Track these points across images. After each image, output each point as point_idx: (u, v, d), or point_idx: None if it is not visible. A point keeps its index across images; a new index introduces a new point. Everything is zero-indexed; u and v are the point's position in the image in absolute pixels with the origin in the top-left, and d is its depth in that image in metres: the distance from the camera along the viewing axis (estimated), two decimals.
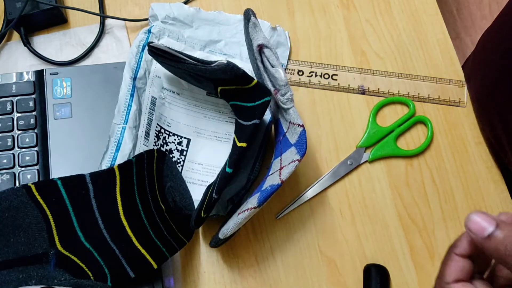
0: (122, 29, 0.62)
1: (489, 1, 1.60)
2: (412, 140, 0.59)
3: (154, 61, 0.58)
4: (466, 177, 0.57)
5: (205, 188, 0.54)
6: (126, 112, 0.54)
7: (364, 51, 0.62)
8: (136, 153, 0.53)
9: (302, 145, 0.46)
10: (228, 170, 0.47)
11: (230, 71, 0.47)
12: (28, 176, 0.54)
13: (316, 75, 0.61)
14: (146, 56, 0.57)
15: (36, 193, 0.47)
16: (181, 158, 0.56)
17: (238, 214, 0.46)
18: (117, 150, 0.53)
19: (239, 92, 0.50)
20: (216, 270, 0.54)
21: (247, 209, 0.45)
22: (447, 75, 0.62)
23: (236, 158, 0.47)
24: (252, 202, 0.46)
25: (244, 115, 0.50)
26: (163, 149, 0.55)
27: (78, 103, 0.57)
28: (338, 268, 0.54)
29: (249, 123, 0.48)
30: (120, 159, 0.52)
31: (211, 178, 0.56)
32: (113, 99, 0.56)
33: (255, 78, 0.49)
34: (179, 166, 0.56)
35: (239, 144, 0.47)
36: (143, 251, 0.48)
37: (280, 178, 0.45)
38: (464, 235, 0.33)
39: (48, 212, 0.47)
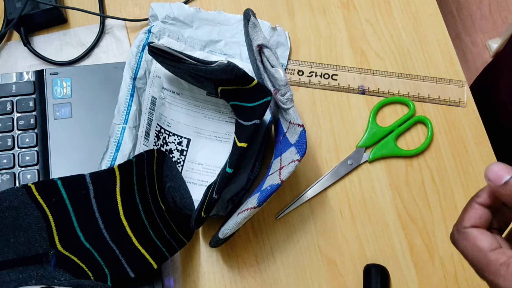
0: (122, 29, 0.63)
1: (489, 1, 1.60)
2: (412, 140, 0.59)
3: (154, 61, 0.58)
4: (466, 177, 0.57)
5: (205, 188, 0.54)
6: (126, 112, 0.54)
7: (364, 51, 0.62)
8: (136, 153, 0.53)
9: (302, 145, 0.46)
10: (228, 170, 0.47)
11: (231, 71, 0.47)
12: (28, 176, 0.54)
13: (316, 75, 0.61)
14: (146, 56, 0.57)
15: (36, 193, 0.47)
16: (181, 158, 0.56)
17: (238, 214, 0.46)
18: (117, 150, 0.53)
19: (239, 92, 0.50)
20: (216, 270, 0.54)
21: (247, 209, 0.45)
22: (447, 75, 0.62)
23: (236, 158, 0.47)
24: (252, 202, 0.46)
25: (244, 115, 0.50)
26: (163, 149, 0.55)
27: (78, 103, 0.57)
28: (338, 268, 0.54)
29: (249, 123, 0.48)
30: (120, 159, 0.52)
31: (211, 178, 0.56)
32: (113, 99, 0.56)
33: (255, 78, 0.49)
34: (179, 166, 0.56)
35: (239, 145, 0.47)
36: (143, 251, 0.48)
37: (280, 178, 0.45)
38: (486, 187, 0.34)
39: (48, 212, 0.47)
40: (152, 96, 0.56)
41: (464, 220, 0.33)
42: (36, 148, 0.55)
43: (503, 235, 0.35)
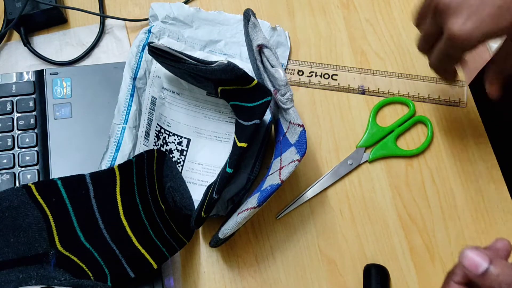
0: (122, 29, 0.62)
1: None
2: (412, 140, 0.59)
3: (154, 61, 0.58)
4: (466, 177, 0.57)
5: (205, 188, 0.54)
6: (126, 112, 0.54)
7: (364, 51, 0.62)
8: (136, 153, 0.53)
9: (302, 145, 0.46)
10: (228, 170, 0.47)
11: (231, 71, 0.47)
12: (28, 176, 0.54)
13: (316, 75, 0.61)
14: (146, 56, 0.57)
15: (36, 193, 0.47)
16: (181, 158, 0.56)
17: (238, 214, 0.46)
18: (117, 150, 0.53)
19: (239, 92, 0.50)
20: (216, 270, 0.54)
21: (247, 209, 0.45)
22: None
23: (236, 158, 0.47)
24: (252, 202, 0.46)
25: (245, 115, 0.50)
26: (163, 149, 0.55)
27: (78, 103, 0.57)
28: (338, 268, 0.54)
29: (250, 123, 0.48)
30: (120, 159, 0.52)
31: (211, 178, 0.56)
32: (113, 99, 0.56)
33: (255, 78, 0.49)
34: (179, 166, 0.56)
35: (239, 145, 0.47)
36: (143, 251, 0.48)
37: (280, 178, 0.45)
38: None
39: (48, 212, 0.47)
40: (152, 96, 0.57)
41: None
42: (36, 148, 0.55)
43: None
